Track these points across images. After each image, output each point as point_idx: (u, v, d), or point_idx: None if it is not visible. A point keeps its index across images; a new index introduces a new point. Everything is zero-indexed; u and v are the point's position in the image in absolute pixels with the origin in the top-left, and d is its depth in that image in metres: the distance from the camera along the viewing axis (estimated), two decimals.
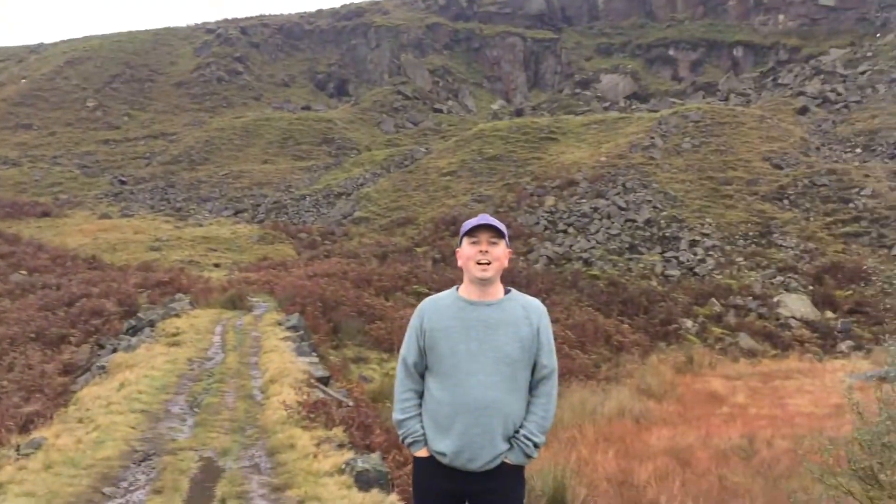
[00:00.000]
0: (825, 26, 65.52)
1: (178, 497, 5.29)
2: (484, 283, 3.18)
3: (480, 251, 3.16)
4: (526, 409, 3.20)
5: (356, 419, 6.65)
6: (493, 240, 3.18)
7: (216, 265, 31.34)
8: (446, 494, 3.19)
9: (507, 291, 3.27)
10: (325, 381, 9.92)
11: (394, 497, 5.06)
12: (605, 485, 9.24)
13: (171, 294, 20.00)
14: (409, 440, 3.21)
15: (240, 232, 37.57)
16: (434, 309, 3.22)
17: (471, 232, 3.19)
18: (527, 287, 25.63)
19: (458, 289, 3.27)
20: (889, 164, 36.27)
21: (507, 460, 3.15)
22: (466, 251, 3.20)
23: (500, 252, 3.19)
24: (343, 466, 5.43)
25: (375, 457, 5.51)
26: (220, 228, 38.56)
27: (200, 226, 39.46)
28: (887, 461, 4.75)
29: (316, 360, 11.52)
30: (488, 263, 3.15)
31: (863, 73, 53.04)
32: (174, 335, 13.58)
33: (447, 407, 3.12)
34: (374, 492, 5.00)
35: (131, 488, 5.56)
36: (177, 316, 16.10)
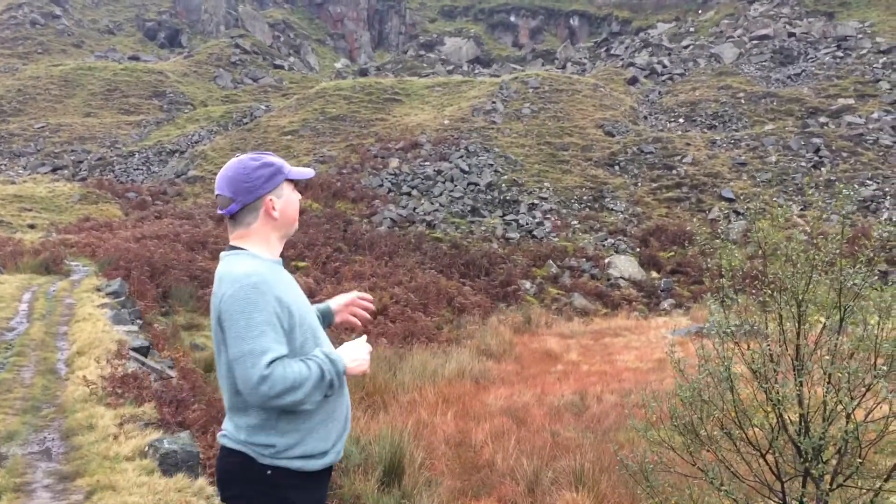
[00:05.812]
0: (653, 0, 69.07)
1: None
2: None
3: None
4: None
5: (170, 393, 6.05)
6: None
7: (31, 226, 28.73)
8: None
9: None
10: (144, 351, 9.14)
11: (203, 482, 4.49)
12: (444, 447, 9.21)
13: None
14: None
15: (59, 190, 34.52)
16: (276, 279, 2.52)
17: (298, 181, 2.61)
18: (370, 250, 25.31)
19: (253, 250, 2.58)
20: (707, 133, 38.88)
21: None
22: (294, 201, 2.59)
23: None
24: (146, 448, 4.84)
25: (185, 436, 4.93)
26: (35, 186, 35.20)
27: (13, 183, 35.90)
28: (706, 417, 4.87)
29: (135, 328, 10.62)
30: None
31: (686, 47, 56.44)
32: None
33: (334, 400, 2.53)
34: (180, 476, 4.44)
35: None
36: None
